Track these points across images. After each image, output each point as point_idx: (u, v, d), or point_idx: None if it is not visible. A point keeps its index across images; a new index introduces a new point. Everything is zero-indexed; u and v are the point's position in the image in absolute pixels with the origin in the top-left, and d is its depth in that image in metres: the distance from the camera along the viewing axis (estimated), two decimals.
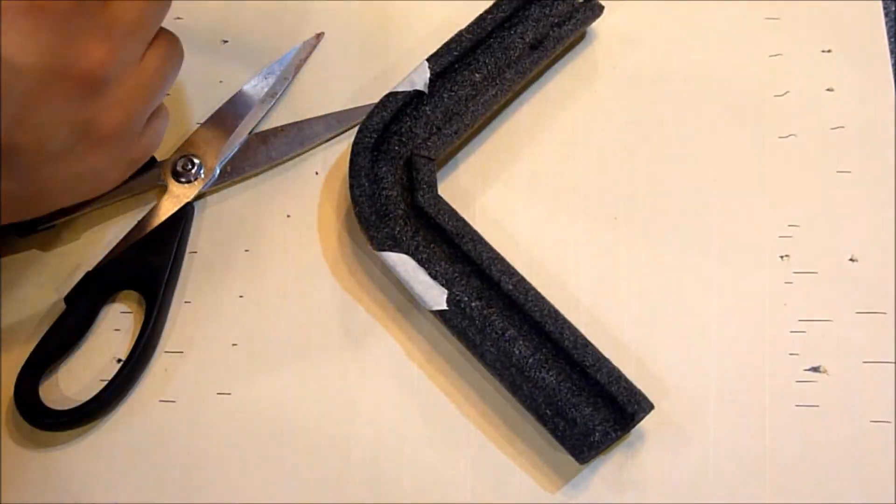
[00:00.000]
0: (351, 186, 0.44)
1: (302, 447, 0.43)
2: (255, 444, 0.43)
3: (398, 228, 0.44)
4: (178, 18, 0.50)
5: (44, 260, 0.45)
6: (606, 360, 0.42)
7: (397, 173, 0.45)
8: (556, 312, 0.42)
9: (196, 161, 0.46)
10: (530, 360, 0.42)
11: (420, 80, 0.45)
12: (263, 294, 0.45)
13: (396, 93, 0.45)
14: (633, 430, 0.43)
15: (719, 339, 0.44)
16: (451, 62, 0.46)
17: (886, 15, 0.50)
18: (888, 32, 0.50)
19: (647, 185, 0.47)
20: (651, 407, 0.41)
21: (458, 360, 0.44)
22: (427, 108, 0.46)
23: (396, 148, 0.45)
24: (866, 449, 0.43)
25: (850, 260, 0.46)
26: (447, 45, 0.46)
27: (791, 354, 0.44)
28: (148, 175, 0.46)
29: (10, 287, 0.44)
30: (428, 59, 0.46)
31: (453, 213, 0.44)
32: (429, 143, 0.45)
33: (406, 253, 0.43)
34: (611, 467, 0.42)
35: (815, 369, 0.44)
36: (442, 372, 0.44)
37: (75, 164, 0.37)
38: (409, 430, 0.43)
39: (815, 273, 0.45)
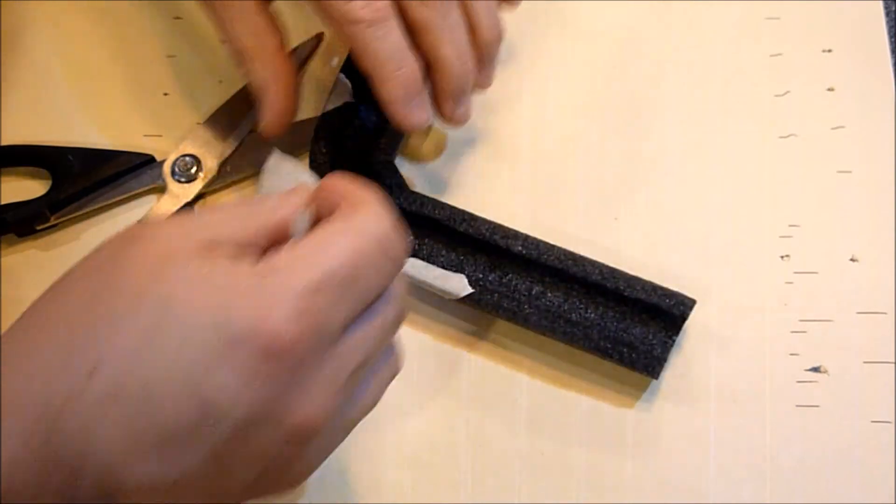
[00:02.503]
0: None
1: None
2: None
3: None
4: (178, 18, 0.50)
5: (44, 260, 0.45)
6: (637, 277, 0.43)
7: None
8: (573, 254, 0.43)
9: (196, 161, 0.46)
10: (566, 306, 0.43)
11: (344, 91, 0.45)
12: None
13: (328, 112, 0.45)
14: (638, 438, 0.43)
15: (719, 339, 0.44)
16: None
17: (886, 15, 0.50)
18: (888, 32, 0.50)
19: (648, 185, 0.47)
20: (694, 302, 0.42)
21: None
22: (363, 115, 0.45)
23: (351, 163, 0.45)
24: (866, 449, 0.43)
25: (851, 260, 0.46)
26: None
27: (791, 354, 0.44)
28: (148, 174, 0.46)
29: (10, 287, 0.44)
30: (342, 71, 0.45)
31: (436, 203, 0.44)
32: (381, 147, 0.45)
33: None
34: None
35: (816, 369, 0.44)
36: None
37: (238, 498, 0.32)
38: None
39: (816, 273, 0.45)
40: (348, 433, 0.33)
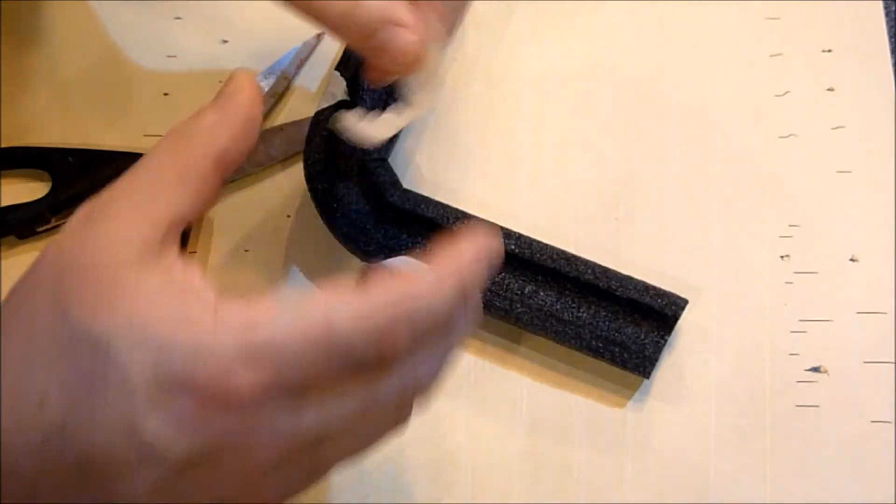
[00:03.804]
0: (322, 217, 0.44)
1: None
2: None
3: (380, 235, 0.44)
4: (178, 18, 0.50)
5: None
6: (629, 277, 0.43)
7: (359, 186, 0.45)
8: (565, 253, 0.43)
9: None
10: (558, 305, 0.43)
11: (338, 90, 0.45)
12: (264, 294, 0.45)
13: (322, 110, 0.45)
14: (639, 438, 0.43)
15: (719, 339, 0.44)
16: (359, 62, 0.44)
17: (886, 15, 0.50)
18: (888, 32, 0.50)
19: (648, 185, 0.47)
20: (686, 302, 0.42)
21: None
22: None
23: (345, 163, 0.45)
24: (866, 449, 0.43)
25: (850, 260, 0.46)
26: (346, 49, 0.45)
27: (791, 354, 0.44)
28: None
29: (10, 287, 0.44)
30: (336, 68, 0.45)
31: (429, 201, 0.44)
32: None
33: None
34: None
35: (815, 369, 0.44)
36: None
37: None
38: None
39: (815, 273, 0.45)
40: (315, 480, 0.31)
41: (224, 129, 0.32)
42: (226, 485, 0.29)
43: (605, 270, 0.43)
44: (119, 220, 0.29)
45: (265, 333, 0.27)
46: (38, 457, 0.28)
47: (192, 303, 0.28)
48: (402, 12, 0.35)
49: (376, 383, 0.29)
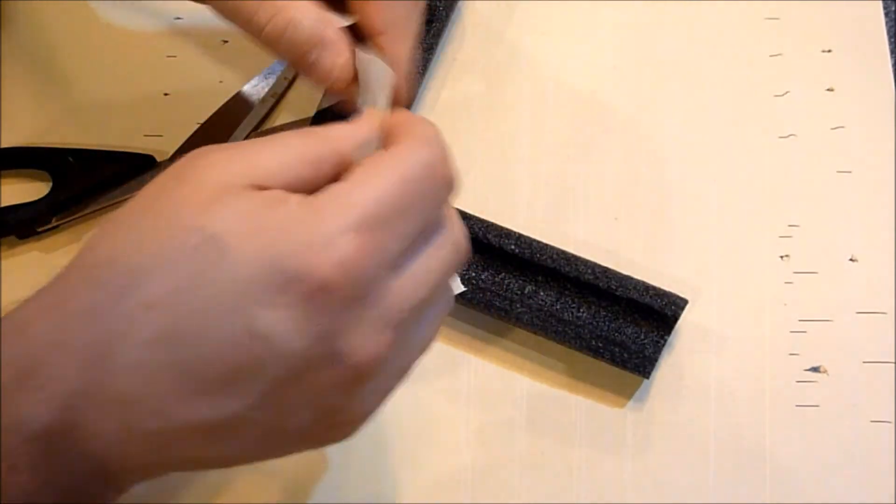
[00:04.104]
0: None
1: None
2: None
3: None
4: (178, 18, 0.50)
5: (44, 261, 0.45)
6: (629, 277, 0.43)
7: None
8: (565, 253, 0.43)
9: None
10: (558, 305, 0.43)
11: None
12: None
13: (322, 110, 0.45)
14: (639, 438, 0.43)
15: (719, 339, 0.44)
16: None
17: (886, 15, 0.50)
18: (888, 32, 0.50)
19: (647, 185, 0.47)
20: (685, 302, 0.42)
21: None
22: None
23: None
24: (866, 449, 0.43)
25: (850, 260, 0.46)
26: None
27: (791, 354, 0.44)
28: (148, 175, 0.46)
29: (10, 288, 0.44)
30: None
31: None
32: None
33: None
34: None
35: (815, 369, 0.44)
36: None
37: (295, 445, 0.32)
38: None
39: (815, 273, 0.45)
40: (405, 375, 0.32)
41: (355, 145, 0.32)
42: (335, 390, 0.29)
43: (605, 270, 0.43)
44: (225, 161, 0.30)
45: (359, 208, 0.28)
46: (144, 368, 0.28)
47: (290, 205, 0.29)
48: (331, 33, 0.36)
49: (439, 233, 0.31)
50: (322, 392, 0.29)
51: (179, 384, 0.28)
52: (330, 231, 0.28)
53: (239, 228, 0.28)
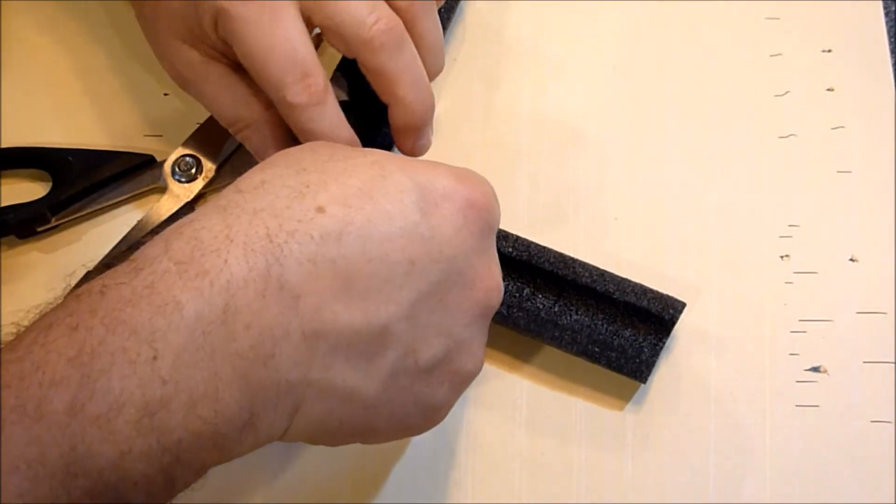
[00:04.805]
0: None
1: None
2: None
3: None
4: None
5: (44, 261, 0.45)
6: (627, 280, 0.43)
7: None
8: (563, 255, 0.43)
9: (196, 161, 0.46)
10: (556, 309, 0.43)
11: (340, 90, 0.44)
12: None
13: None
14: (639, 438, 0.43)
15: (719, 339, 0.44)
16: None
17: (886, 15, 0.50)
18: (888, 32, 0.50)
19: (647, 185, 0.47)
20: (683, 305, 0.42)
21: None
22: (356, 115, 0.44)
23: None
24: (866, 449, 0.43)
25: (850, 260, 0.46)
26: None
27: (791, 354, 0.44)
28: (148, 175, 0.46)
29: (10, 288, 0.44)
30: (338, 69, 0.45)
31: None
32: (376, 144, 0.44)
33: None
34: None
35: (815, 369, 0.44)
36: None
37: (411, 406, 0.34)
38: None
39: (815, 273, 0.45)
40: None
41: None
42: (465, 318, 0.33)
43: (603, 273, 0.43)
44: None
45: None
46: (311, 263, 0.30)
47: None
48: (311, 66, 0.38)
49: None
50: (456, 317, 0.33)
51: (340, 283, 0.30)
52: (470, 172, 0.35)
53: (400, 161, 0.33)
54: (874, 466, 0.42)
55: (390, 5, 0.39)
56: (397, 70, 0.39)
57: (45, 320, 0.28)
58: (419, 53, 0.40)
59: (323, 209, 0.31)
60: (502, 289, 0.35)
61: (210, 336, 0.28)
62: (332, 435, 0.33)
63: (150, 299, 0.28)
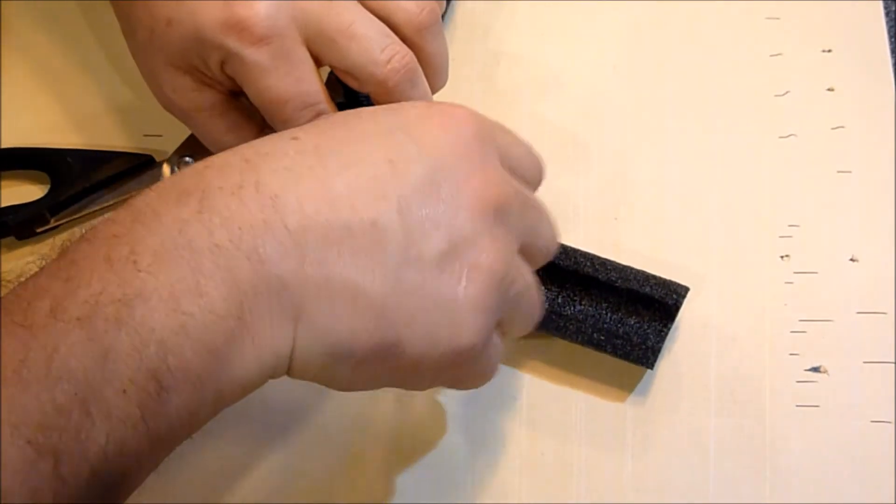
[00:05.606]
0: None
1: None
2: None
3: None
4: None
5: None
6: (629, 267, 0.43)
7: None
8: (565, 246, 0.43)
9: (195, 161, 0.46)
10: (559, 300, 0.43)
11: (336, 92, 0.44)
12: None
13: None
14: (639, 438, 0.43)
15: (719, 339, 0.44)
16: None
17: (886, 15, 0.50)
18: (888, 32, 0.50)
19: (647, 185, 0.47)
20: (687, 290, 0.42)
21: None
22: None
23: None
24: (866, 449, 0.43)
25: (850, 260, 0.46)
26: None
27: (791, 354, 0.44)
28: (148, 175, 0.46)
29: (10, 288, 0.44)
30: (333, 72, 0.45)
31: None
32: None
33: None
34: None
35: (815, 369, 0.44)
36: None
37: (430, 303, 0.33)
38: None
39: (815, 273, 0.45)
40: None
41: None
42: (463, 214, 0.32)
43: (605, 262, 0.43)
44: None
45: None
46: (286, 172, 0.31)
47: None
48: (323, 106, 0.39)
49: None
50: (452, 209, 0.32)
51: (320, 185, 0.30)
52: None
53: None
54: (874, 466, 0.42)
55: (398, 34, 0.39)
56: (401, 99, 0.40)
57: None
58: (427, 74, 0.41)
59: (297, 137, 0.32)
60: (509, 191, 0.34)
61: (186, 233, 0.29)
62: (349, 354, 0.31)
63: (130, 216, 0.29)
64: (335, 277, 0.30)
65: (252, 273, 0.29)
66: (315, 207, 0.30)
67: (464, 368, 0.34)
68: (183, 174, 0.31)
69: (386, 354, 0.31)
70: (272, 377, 0.30)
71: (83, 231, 0.30)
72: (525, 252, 0.35)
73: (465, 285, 0.32)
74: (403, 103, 0.35)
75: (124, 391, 0.27)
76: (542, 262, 0.37)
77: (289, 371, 0.31)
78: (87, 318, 0.27)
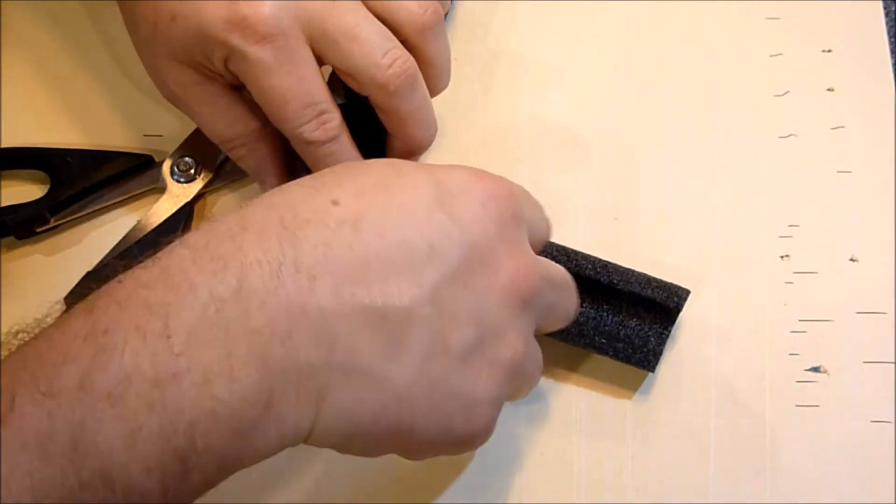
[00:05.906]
0: None
1: None
2: None
3: None
4: None
5: (44, 261, 0.45)
6: (630, 270, 0.43)
7: None
8: (566, 248, 0.43)
9: (195, 161, 0.46)
10: None
11: (337, 93, 0.44)
12: None
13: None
14: (639, 438, 0.43)
15: (719, 339, 0.44)
16: None
17: (886, 15, 0.50)
18: (888, 32, 0.50)
19: (647, 185, 0.47)
20: (688, 293, 0.42)
21: None
22: (352, 118, 0.43)
23: None
24: (866, 449, 0.43)
25: (850, 260, 0.46)
26: None
27: (791, 354, 0.44)
28: (147, 175, 0.46)
29: (10, 288, 0.44)
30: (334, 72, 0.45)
31: None
32: (374, 147, 0.44)
33: None
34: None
35: (815, 369, 0.44)
36: None
37: (449, 401, 0.33)
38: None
39: (815, 273, 0.45)
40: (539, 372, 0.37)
41: None
42: (492, 299, 0.32)
43: (606, 265, 0.43)
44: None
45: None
46: (325, 248, 0.30)
47: None
48: (326, 105, 0.39)
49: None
50: (483, 303, 0.32)
51: (358, 266, 0.30)
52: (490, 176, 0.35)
53: (416, 163, 0.34)
54: (874, 466, 0.42)
55: (401, 35, 0.40)
56: (410, 111, 0.40)
57: (66, 313, 0.28)
58: (428, 76, 0.41)
59: (338, 202, 0.31)
60: (537, 280, 0.34)
61: (223, 313, 0.28)
62: (366, 434, 0.31)
63: (164, 281, 0.28)
64: (363, 365, 0.30)
65: (284, 358, 0.29)
66: (351, 291, 0.30)
67: (467, 447, 0.35)
68: (217, 232, 0.30)
69: (401, 437, 0.32)
70: (290, 447, 0.31)
71: (110, 282, 0.29)
72: (541, 326, 0.36)
73: (485, 381, 0.33)
74: (445, 167, 0.34)
75: (148, 469, 0.27)
76: (555, 328, 0.38)
77: (306, 440, 0.31)
78: (117, 396, 0.26)
